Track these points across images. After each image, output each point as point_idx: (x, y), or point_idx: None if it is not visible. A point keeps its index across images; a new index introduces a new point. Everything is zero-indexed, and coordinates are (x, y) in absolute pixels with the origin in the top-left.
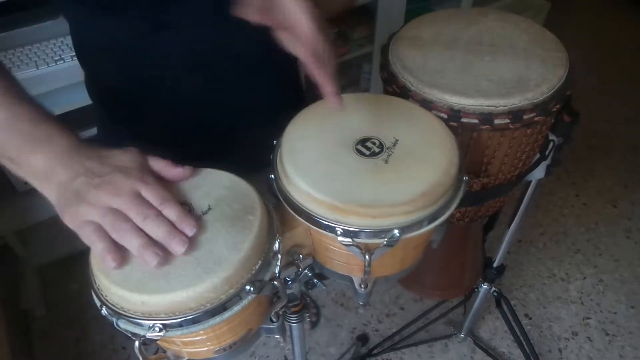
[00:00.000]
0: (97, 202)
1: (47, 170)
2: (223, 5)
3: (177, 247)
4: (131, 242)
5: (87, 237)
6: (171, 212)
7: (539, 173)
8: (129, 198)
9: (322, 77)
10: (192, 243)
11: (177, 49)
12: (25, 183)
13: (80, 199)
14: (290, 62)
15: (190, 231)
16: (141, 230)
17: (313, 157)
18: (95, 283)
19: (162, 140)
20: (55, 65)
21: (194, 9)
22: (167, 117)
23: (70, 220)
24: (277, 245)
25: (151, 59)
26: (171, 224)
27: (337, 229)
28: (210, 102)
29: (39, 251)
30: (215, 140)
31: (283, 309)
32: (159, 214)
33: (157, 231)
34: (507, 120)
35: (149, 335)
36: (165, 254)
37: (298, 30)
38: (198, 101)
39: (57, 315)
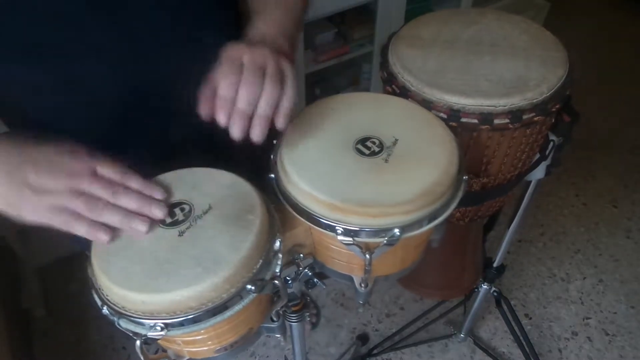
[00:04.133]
0: (57, 188)
1: None
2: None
3: (156, 211)
4: (112, 218)
5: (65, 223)
6: (134, 182)
7: (539, 173)
8: (89, 177)
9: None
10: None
11: (90, 87)
12: None
13: (35, 189)
14: None
15: (159, 194)
16: (115, 205)
17: (313, 157)
18: (97, 283)
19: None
20: None
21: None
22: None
23: (34, 212)
24: (277, 244)
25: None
26: (140, 193)
27: (337, 228)
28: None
29: (39, 251)
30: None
31: (283, 308)
32: (125, 186)
33: (130, 202)
34: (507, 120)
35: (150, 334)
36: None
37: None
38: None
39: (57, 315)
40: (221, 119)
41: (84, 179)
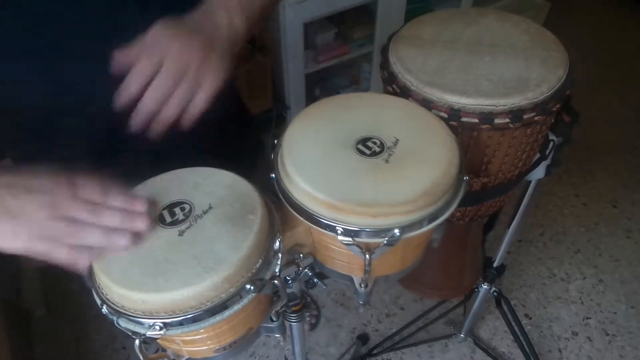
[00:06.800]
0: (37, 213)
1: None
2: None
3: (138, 224)
4: (92, 238)
5: (44, 250)
6: (115, 199)
7: (539, 173)
8: (71, 199)
9: None
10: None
11: (81, 84)
12: None
13: (14, 214)
14: None
15: (142, 207)
16: (95, 224)
17: (314, 157)
18: (96, 282)
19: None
20: None
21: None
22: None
23: (14, 240)
24: (277, 244)
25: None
26: (122, 209)
27: (337, 228)
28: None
29: None
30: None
31: (283, 308)
32: (107, 204)
33: (113, 220)
34: (507, 120)
35: (149, 333)
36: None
37: None
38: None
39: (57, 315)
40: (121, 102)
41: (65, 202)
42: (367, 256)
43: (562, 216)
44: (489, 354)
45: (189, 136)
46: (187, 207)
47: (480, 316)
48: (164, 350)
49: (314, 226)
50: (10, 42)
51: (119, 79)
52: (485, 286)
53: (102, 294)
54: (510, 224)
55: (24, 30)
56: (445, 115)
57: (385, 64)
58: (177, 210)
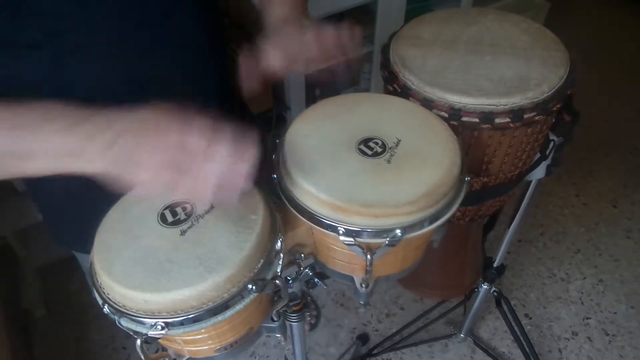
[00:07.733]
0: (165, 145)
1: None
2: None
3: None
4: (215, 171)
5: (171, 183)
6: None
7: (539, 173)
8: (191, 134)
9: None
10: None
11: (85, 78)
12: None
13: (147, 149)
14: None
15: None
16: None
17: (316, 157)
18: (97, 281)
19: None
20: None
21: (103, 31)
22: None
23: (144, 172)
24: (279, 244)
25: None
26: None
27: (339, 228)
28: None
29: (39, 251)
30: None
31: (284, 308)
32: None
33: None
34: (508, 119)
35: (151, 333)
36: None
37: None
38: None
39: (57, 315)
40: None
41: (189, 134)
42: (369, 256)
43: (562, 216)
44: (489, 354)
45: None
46: (188, 206)
47: (480, 316)
48: (165, 349)
49: (316, 226)
50: (18, 36)
51: (126, 73)
52: (485, 286)
53: (104, 293)
54: (510, 224)
55: (28, 25)
56: (446, 115)
57: (386, 64)
58: (178, 210)
